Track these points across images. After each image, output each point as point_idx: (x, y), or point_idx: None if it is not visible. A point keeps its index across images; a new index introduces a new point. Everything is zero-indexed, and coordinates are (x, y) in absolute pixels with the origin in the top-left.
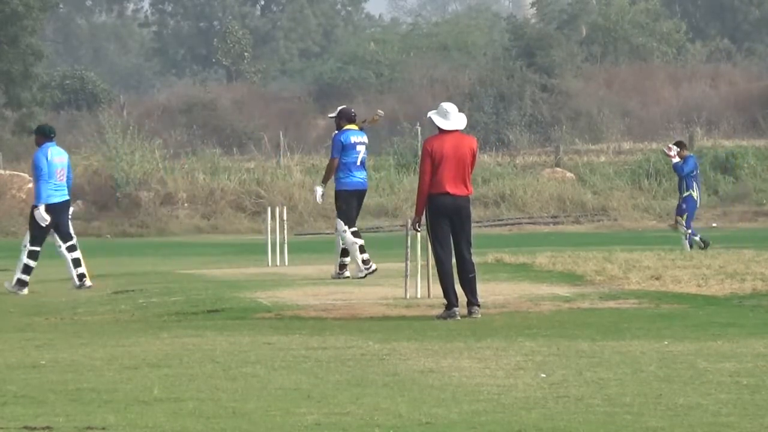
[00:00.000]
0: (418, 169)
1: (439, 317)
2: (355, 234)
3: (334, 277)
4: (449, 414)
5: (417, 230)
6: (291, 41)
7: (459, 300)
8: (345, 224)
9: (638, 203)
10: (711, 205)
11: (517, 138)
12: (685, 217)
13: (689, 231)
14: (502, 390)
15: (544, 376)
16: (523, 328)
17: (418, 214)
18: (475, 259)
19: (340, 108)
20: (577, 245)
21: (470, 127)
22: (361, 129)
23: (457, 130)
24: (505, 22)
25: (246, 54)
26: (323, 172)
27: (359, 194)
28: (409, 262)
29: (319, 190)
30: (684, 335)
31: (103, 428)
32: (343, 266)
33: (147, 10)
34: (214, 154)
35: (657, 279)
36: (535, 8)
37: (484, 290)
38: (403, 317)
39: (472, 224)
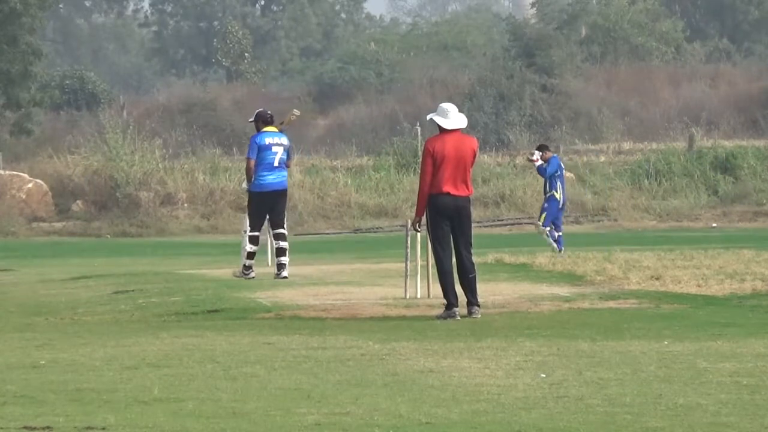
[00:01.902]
0: (418, 170)
1: (439, 317)
2: (253, 239)
3: (237, 276)
4: (449, 414)
5: (417, 230)
6: (291, 41)
7: (459, 300)
8: (249, 225)
9: (638, 203)
10: (711, 205)
11: (517, 138)
12: (544, 216)
13: (547, 230)
14: (502, 390)
15: (544, 376)
16: (523, 328)
17: (419, 214)
18: (475, 259)
19: (257, 111)
20: (577, 245)
21: (470, 127)
22: (281, 131)
23: (458, 130)
24: (505, 23)
25: (246, 54)
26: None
27: (274, 195)
28: (409, 262)
29: (244, 184)
30: (684, 335)
31: (103, 428)
32: (247, 268)
33: (147, 10)
34: (214, 154)
35: (657, 279)
36: (534, 8)
37: (484, 290)
38: (403, 317)
39: (472, 224)
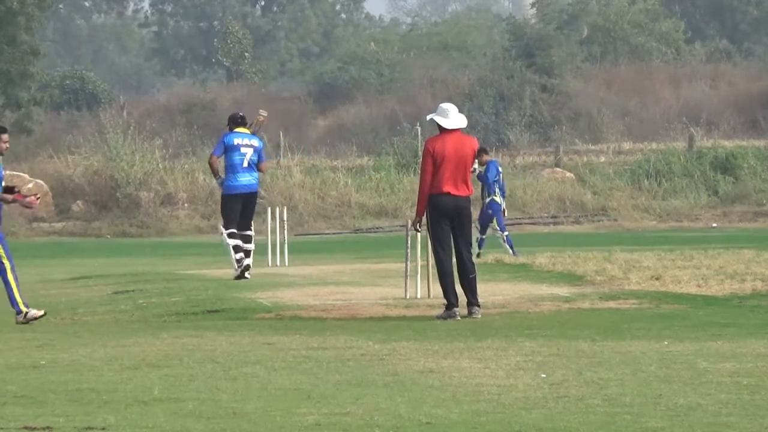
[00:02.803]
0: (418, 170)
1: (439, 317)
2: (232, 235)
3: (237, 278)
4: (449, 414)
5: (418, 230)
6: (291, 41)
7: (459, 300)
8: (224, 224)
9: (638, 203)
10: (711, 205)
11: (517, 138)
12: (495, 221)
13: (505, 234)
14: (502, 390)
15: (544, 376)
16: (523, 328)
17: (419, 214)
18: (475, 259)
19: (229, 115)
20: (577, 245)
21: (470, 127)
22: (254, 133)
23: (458, 129)
24: (505, 23)
25: (246, 54)
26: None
27: (244, 197)
28: (409, 262)
29: (215, 182)
30: (684, 335)
31: (103, 428)
32: (244, 265)
33: (147, 10)
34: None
35: (657, 279)
36: (535, 8)
37: (484, 290)
38: (403, 317)
39: (472, 224)
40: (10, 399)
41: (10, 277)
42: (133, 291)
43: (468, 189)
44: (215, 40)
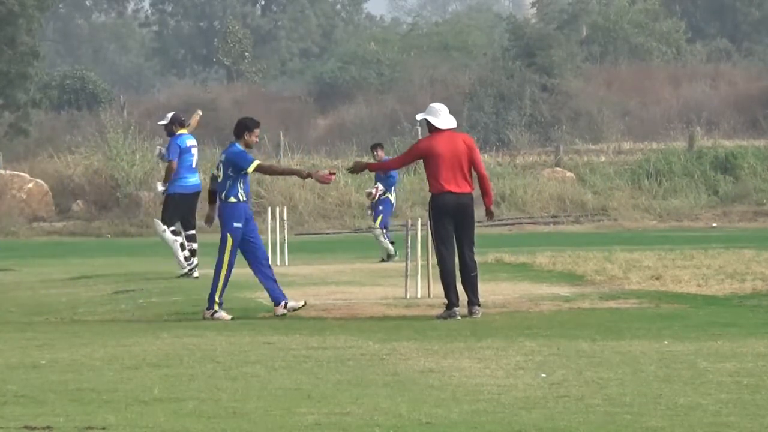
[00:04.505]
0: (419, 170)
1: (439, 317)
2: (175, 232)
3: (181, 275)
4: (449, 414)
5: (351, 172)
6: (291, 41)
7: (459, 299)
8: (163, 224)
9: (638, 203)
10: (711, 205)
11: (517, 138)
12: (380, 219)
13: (384, 231)
14: (502, 390)
15: (544, 376)
16: (523, 328)
17: (371, 167)
18: (476, 258)
19: (170, 114)
20: (577, 245)
21: (470, 127)
22: (190, 133)
23: (449, 129)
24: (505, 23)
25: (246, 54)
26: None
27: (194, 196)
28: (409, 262)
29: (159, 186)
30: (684, 335)
31: (103, 428)
32: (187, 259)
33: (147, 10)
34: (214, 154)
35: (657, 279)
36: (535, 8)
37: (484, 290)
38: (403, 317)
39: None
40: (11, 398)
41: (222, 274)
42: (133, 290)
43: (469, 185)
44: (215, 39)
